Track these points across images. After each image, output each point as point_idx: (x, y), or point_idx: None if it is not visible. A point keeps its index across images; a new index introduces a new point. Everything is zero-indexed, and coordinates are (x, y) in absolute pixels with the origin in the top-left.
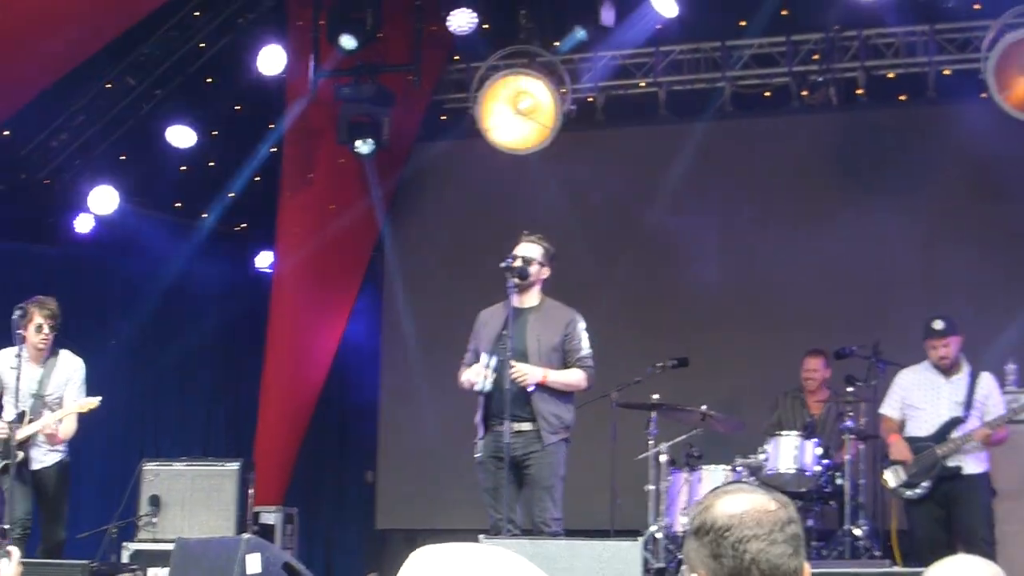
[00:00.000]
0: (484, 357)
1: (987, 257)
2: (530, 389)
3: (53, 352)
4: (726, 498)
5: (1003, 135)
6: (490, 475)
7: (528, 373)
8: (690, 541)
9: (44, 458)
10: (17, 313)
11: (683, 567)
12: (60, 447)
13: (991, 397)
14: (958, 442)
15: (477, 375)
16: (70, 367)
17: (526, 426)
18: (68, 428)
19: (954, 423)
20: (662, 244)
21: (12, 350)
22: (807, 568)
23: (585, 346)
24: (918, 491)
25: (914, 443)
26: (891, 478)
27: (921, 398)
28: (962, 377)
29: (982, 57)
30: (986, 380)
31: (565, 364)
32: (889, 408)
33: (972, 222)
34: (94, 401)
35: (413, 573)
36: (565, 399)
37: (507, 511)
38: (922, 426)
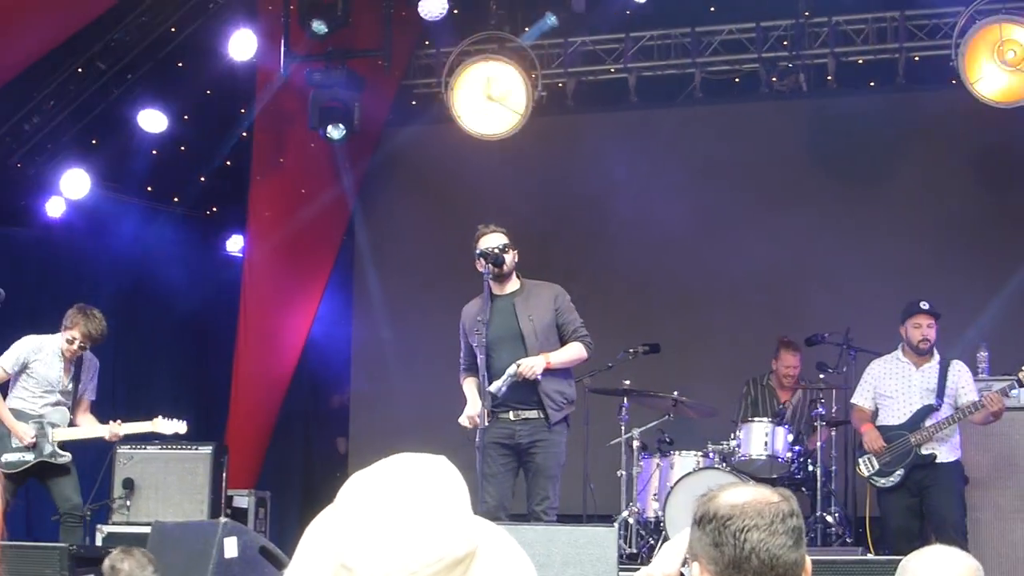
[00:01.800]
0: (480, 405)
1: (955, 243)
2: (540, 379)
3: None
4: (730, 489)
5: (972, 122)
6: (492, 461)
7: (533, 366)
8: (693, 530)
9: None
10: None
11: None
12: None
13: (963, 384)
14: (932, 430)
15: (473, 424)
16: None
17: (532, 413)
18: None
19: (927, 411)
20: (632, 230)
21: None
22: (808, 561)
23: (576, 317)
24: (891, 480)
25: (887, 432)
26: (864, 467)
27: (892, 387)
28: (932, 366)
29: (952, 43)
30: (957, 367)
31: (561, 340)
32: (861, 398)
33: (941, 208)
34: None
35: (348, 495)
36: (565, 374)
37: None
38: (894, 414)
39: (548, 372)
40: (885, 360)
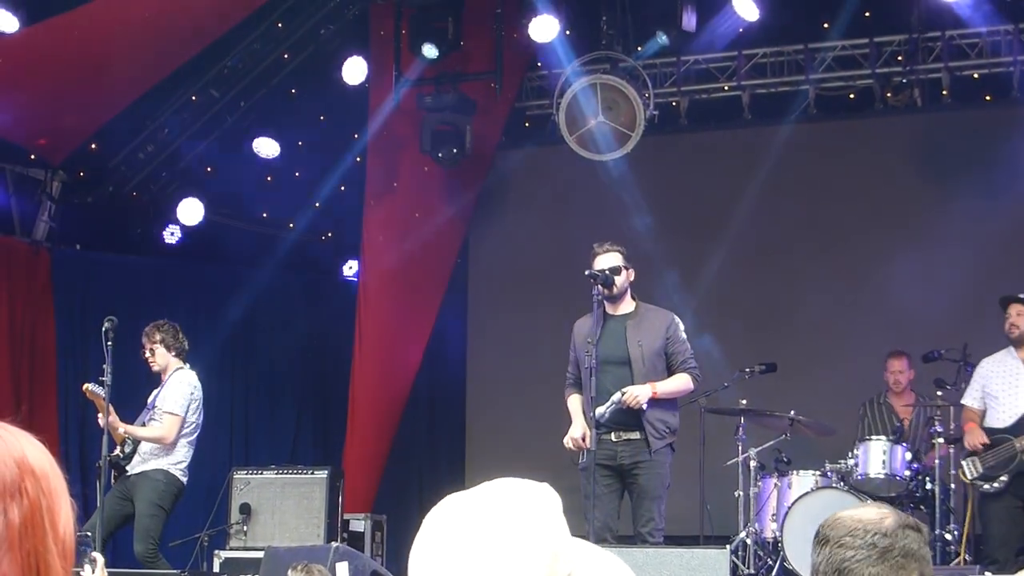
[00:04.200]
0: (584, 427)
1: None
2: (645, 407)
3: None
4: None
5: None
6: (596, 483)
7: (638, 395)
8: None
9: (138, 466)
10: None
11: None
12: (152, 457)
13: None
14: None
15: (577, 446)
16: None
17: (634, 435)
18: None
19: None
20: (747, 248)
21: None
22: None
23: (687, 348)
24: (996, 485)
25: (992, 434)
26: (968, 470)
27: (999, 387)
28: None
29: None
30: None
31: (669, 368)
32: (970, 398)
33: None
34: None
35: (435, 522)
36: (670, 404)
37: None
38: (1000, 417)
39: (653, 401)
40: (995, 359)
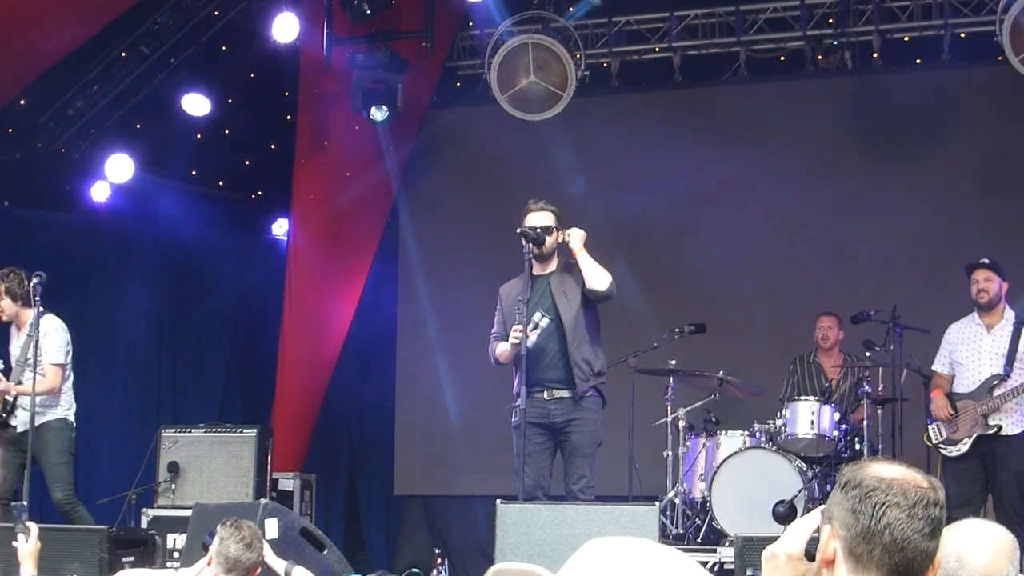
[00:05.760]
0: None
1: (1003, 220)
2: (574, 247)
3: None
4: (883, 464)
5: (1018, 98)
6: (528, 441)
7: (573, 233)
8: (835, 492)
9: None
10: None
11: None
12: (48, 408)
13: None
14: (998, 400)
15: (518, 334)
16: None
17: (566, 393)
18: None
19: (995, 380)
20: (677, 209)
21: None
22: (939, 558)
23: None
24: (958, 449)
25: (956, 399)
26: (933, 435)
27: (964, 352)
28: (1004, 327)
29: (997, 19)
30: None
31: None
32: (939, 364)
33: (987, 185)
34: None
35: (581, 566)
36: (593, 344)
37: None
38: (964, 382)
39: (578, 340)
40: (961, 323)
